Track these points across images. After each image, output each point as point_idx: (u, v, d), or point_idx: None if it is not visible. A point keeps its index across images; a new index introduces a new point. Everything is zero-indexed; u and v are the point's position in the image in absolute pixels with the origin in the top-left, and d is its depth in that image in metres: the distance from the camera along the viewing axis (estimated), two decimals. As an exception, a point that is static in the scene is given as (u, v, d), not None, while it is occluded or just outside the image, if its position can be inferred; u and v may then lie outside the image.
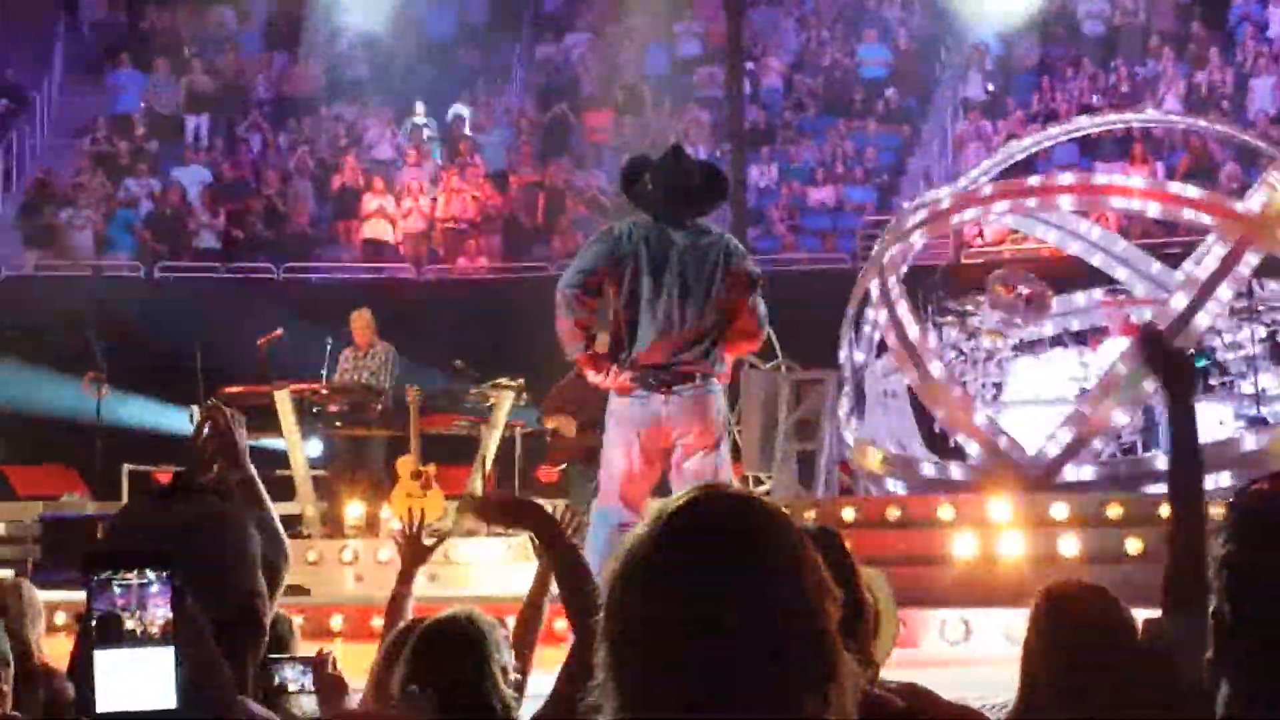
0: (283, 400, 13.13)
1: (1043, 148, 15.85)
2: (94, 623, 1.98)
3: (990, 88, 21.91)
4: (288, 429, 13.17)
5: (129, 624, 1.98)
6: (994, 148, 17.94)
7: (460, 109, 23.00)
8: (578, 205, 21.24)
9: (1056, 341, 13.99)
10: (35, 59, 23.23)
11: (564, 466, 12.68)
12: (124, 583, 1.99)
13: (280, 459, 13.18)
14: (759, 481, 12.65)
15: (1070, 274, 14.64)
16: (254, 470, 2.87)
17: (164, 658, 1.98)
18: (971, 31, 22.58)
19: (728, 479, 7.81)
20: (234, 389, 13.49)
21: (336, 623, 10.53)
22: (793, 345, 13.39)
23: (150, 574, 2.00)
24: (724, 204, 8.12)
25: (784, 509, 1.90)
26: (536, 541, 4.34)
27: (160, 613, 1.99)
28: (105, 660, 1.97)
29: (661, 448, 7.70)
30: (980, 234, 18.54)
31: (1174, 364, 3.81)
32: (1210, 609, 2.24)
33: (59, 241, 20.67)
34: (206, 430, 2.91)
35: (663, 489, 7.86)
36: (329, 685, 3.98)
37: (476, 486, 13.25)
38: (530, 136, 22.62)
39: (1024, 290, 13.26)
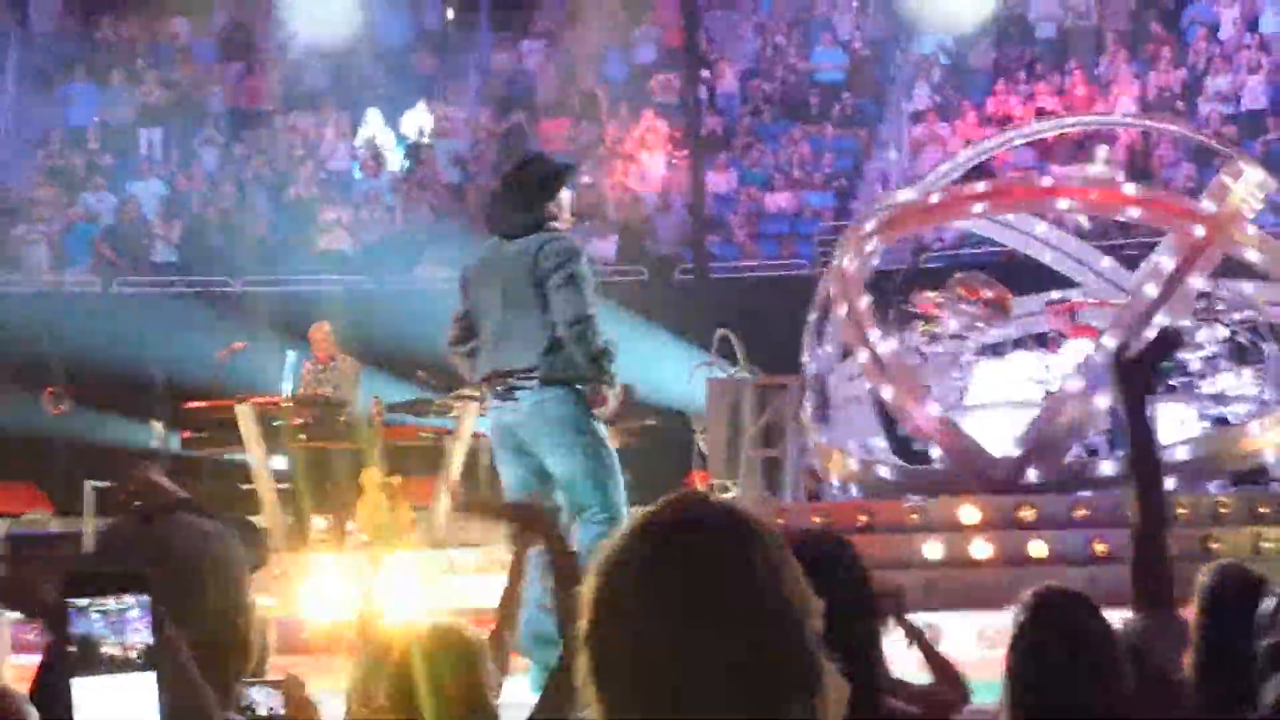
0: (245, 414, 13.06)
1: (999, 151, 15.91)
2: (71, 650, 1.95)
3: (937, 100, 21.97)
4: (250, 443, 13.10)
5: (108, 650, 1.95)
6: (951, 150, 18.00)
7: (417, 118, 22.93)
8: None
9: (1018, 344, 14.03)
10: (-13, 72, 23.07)
11: None
12: (102, 608, 1.96)
13: (244, 473, 13.12)
14: (725, 488, 12.64)
15: (1032, 276, 14.68)
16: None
17: (145, 683, 1.95)
18: (925, 35, 22.65)
19: (601, 472, 7.68)
20: (196, 403, 13.43)
21: (305, 637, 10.50)
22: (755, 351, 13.39)
23: (129, 598, 1.97)
24: (549, 196, 7.90)
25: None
26: (515, 535, 4.33)
27: (140, 637, 1.96)
28: (84, 688, 1.94)
29: (529, 452, 7.79)
30: (940, 237, 18.58)
31: (1128, 369, 3.85)
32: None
33: (13, 256, 20.51)
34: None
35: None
36: (300, 709, 3.94)
37: (444, 499, 13.21)
38: (488, 145, 22.57)
39: (985, 293, 13.29)
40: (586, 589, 1.83)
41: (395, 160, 22.56)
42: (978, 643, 8.85)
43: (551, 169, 8.16)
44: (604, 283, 18.57)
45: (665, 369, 14.36)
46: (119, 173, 21.90)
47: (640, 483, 12.19)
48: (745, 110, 22.70)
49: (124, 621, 1.96)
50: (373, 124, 22.72)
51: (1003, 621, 3.70)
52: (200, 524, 2.41)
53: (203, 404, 13.40)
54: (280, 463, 13.54)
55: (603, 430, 7.82)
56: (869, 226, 13.17)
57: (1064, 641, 3.49)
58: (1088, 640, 3.50)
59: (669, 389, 14.04)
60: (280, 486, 13.36)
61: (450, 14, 25.02)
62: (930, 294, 13.39)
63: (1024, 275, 14.66)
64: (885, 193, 17.01)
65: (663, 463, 13.03)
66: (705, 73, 22.02)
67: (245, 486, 13.17)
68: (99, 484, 13.38)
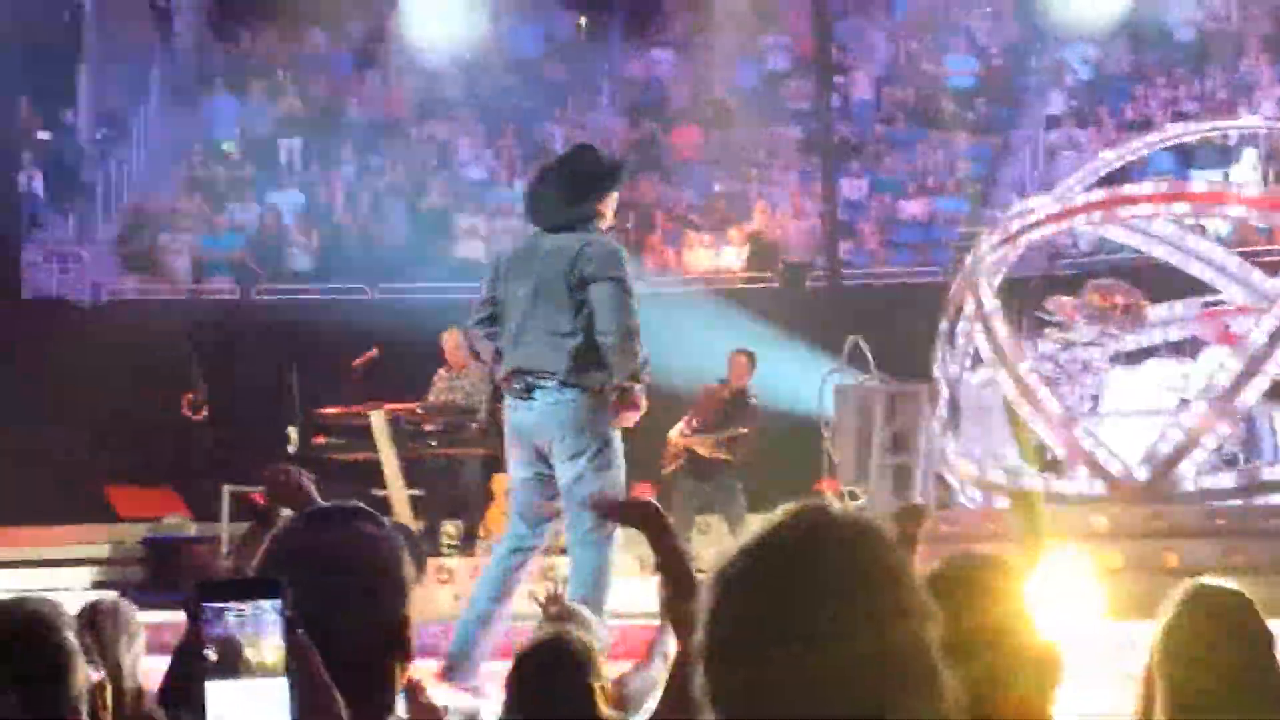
0: (378, 420, 13.20)
1: (1138, 156, 15.68)
2: (206, 653, 1.98)
3: (1073, 103, 21.69)
4: (383, 449, 13.24)
5: (243, 655, 1.98)
6: (1086, 156, 17.75)
7: (551, 127, 23.05)
8: (667, 222, 21.24)
9: (1153, 351, 13.82)
10: (132, 85, 23.51)
11: (669, 471, 13.16)
12: (237, 613, 1.99)
13: (378, 478, 13.26)
14: (854, 496, 12.58)
15: (1166, 283, 14.45)
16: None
17: (278, 689, 1.97)
18: (1060, 40, 22.38)
19: (603, 486, 7.22)
20: (330, 410, 13.60)
21: (443, 643, 10.57)
22: (886, 358, 13.32)
23: (263, 603, 2.00)
24: (605, 193, 7.61)
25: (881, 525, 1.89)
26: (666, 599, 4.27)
27: (273, 643, 1.98)
28: (218, 692, 1.96)
29: (542, 456, 7.47)
30: (1074, 244, 18.35)
31: None
32: None
33: (157, 265, 20.91)
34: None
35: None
36: (423, 711, 3.97)
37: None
38: (621, 154, 22.59)
39: (1120, 300, 13.11)
40: (703, 600, 1.83)
41: (528, 169, 22.67)
42: (1110, 652, 8.73)
43: (606, 165, 7.82)
44: (734, 290, 18.70)
45: (796, 375, 14.32)
46: (259, 183, 22.25)
47: (769, 490, 12.19)
48: (878, 117, 22.56)
49: (259, 625, 1.98)
50: (506, 133, 22.88)
51: (1135, 631, 3.59)
52: (377, 531, 2.42)
53: (337, 410, 13.56)
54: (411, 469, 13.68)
55: (618, 444, 7.45)
56: (1004, 232, 13.06)
57: (1219, 636, 3.34)
58: (1242, 637, 3.35)
59: (800, 396, 14.00)
60: (412, 492, 13.50)
61: (582, 23, 25.14)
62: (1066, 299, 13.24)
63: (1160, 282, 14.43)
64: (1020, 198, 16.83)
65: (792, 470, 12.99)
66: (839, 79, 21.91)
67: (378, 492, 13.32)
68: (236, 488, 13.60)
